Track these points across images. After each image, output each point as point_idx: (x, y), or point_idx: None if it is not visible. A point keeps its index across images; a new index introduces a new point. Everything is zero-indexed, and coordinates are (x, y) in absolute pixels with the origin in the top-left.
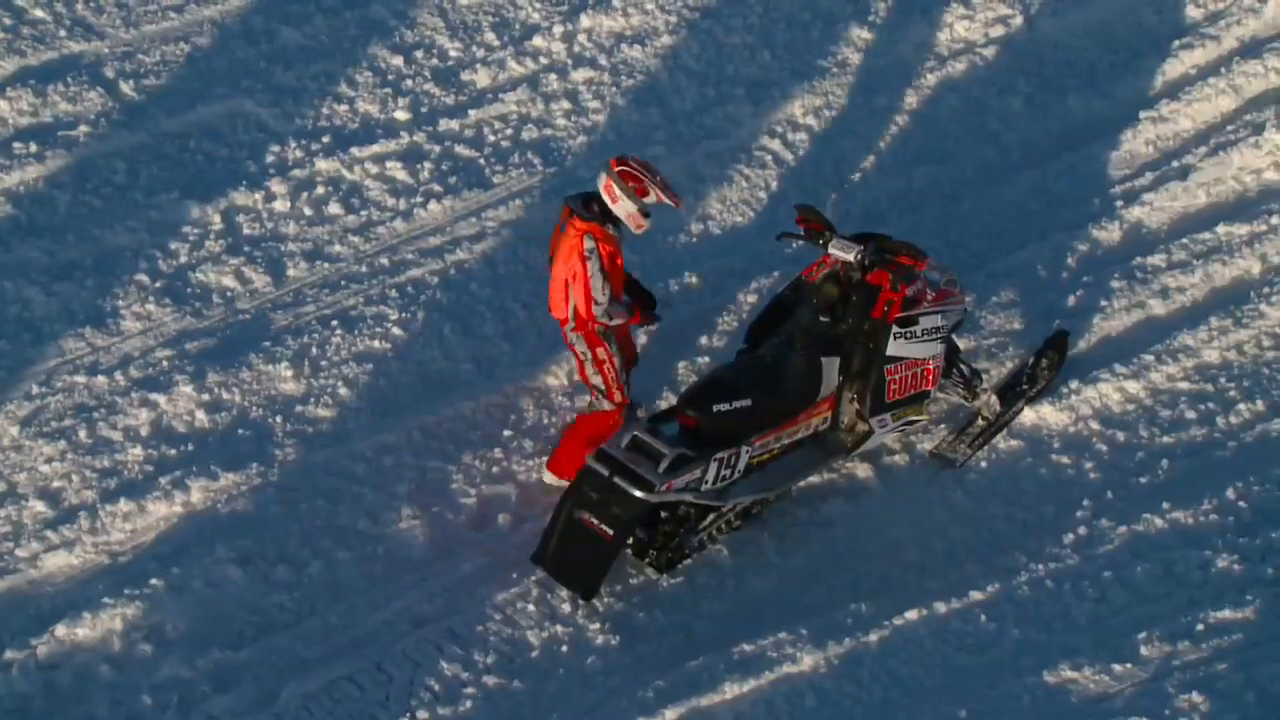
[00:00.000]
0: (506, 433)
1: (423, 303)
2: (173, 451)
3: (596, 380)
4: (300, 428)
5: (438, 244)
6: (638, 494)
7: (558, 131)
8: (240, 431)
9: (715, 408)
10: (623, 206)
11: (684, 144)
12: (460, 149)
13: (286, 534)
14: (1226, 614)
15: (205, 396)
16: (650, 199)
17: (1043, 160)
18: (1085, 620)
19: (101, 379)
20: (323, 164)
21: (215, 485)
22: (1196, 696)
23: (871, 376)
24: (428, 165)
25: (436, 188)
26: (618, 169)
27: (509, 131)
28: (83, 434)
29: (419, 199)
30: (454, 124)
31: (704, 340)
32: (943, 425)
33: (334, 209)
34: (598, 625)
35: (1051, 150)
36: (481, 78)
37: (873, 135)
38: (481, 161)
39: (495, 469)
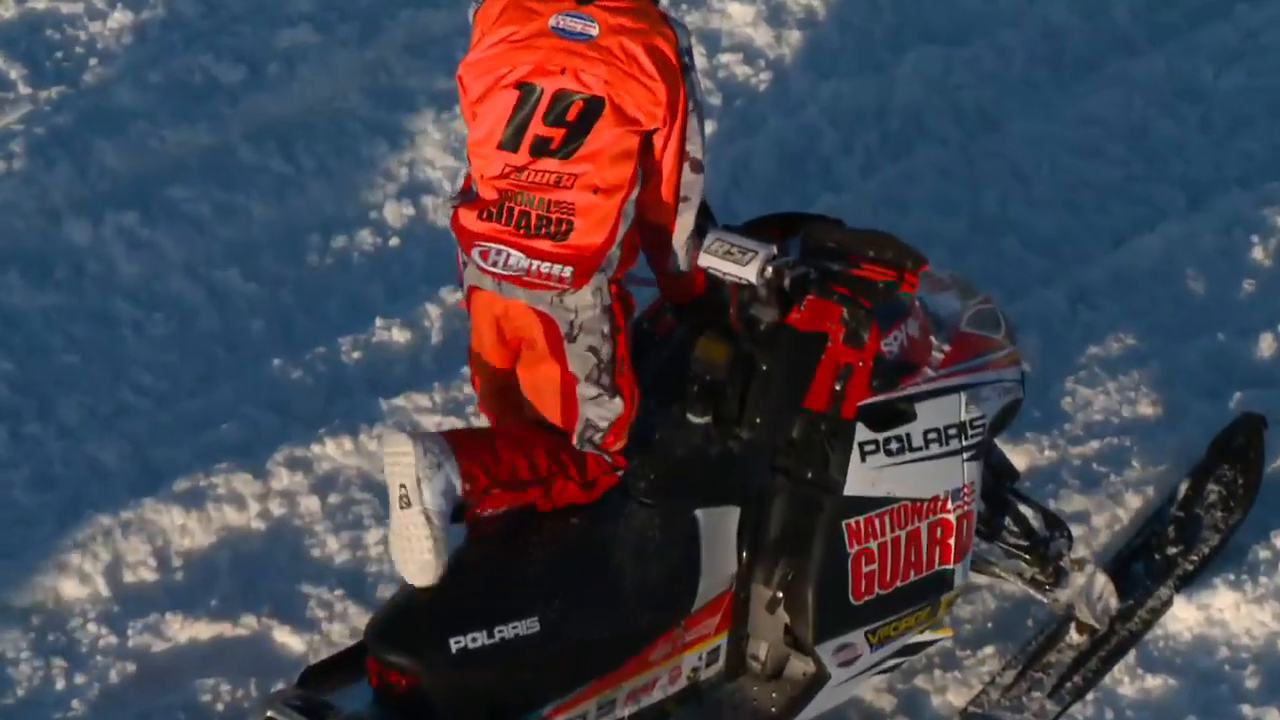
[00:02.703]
0: None
1: None
2: None
3: (603, 413)
4: None
5: None
6: None
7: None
8: None
9: (454, 643)
10: None
11: (362, 25)
12: None
13: None
14: None
15: None
16: None
17: (1187, 28)
18: None
19: None
20: None
21: None
22: None
23: (815, 549)
24: None
25: None
26: None
27: None
28: None
29: None
30: None
31: None
32: (988, 649)
33: None
34: None
35: (1206, 5)
36: None
37: None
38: None
39: None
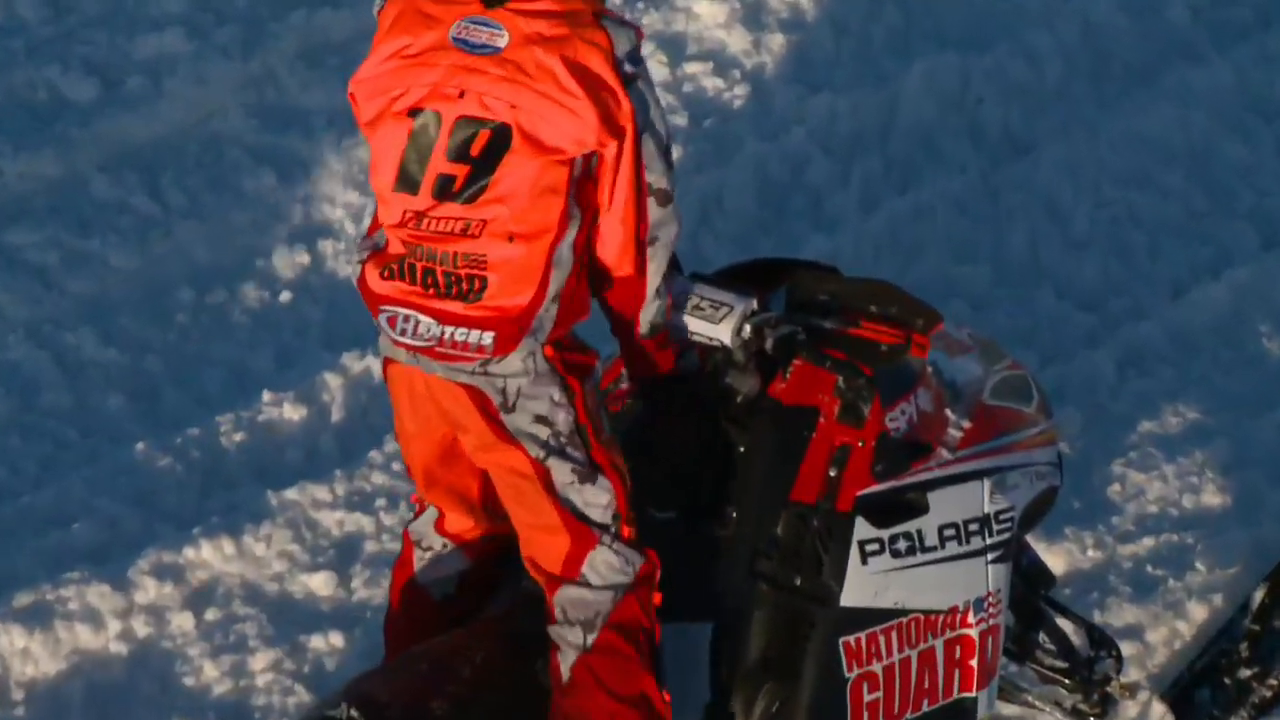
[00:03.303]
0: None
1: None
2: None
3: (591, 499)
4: None
5: None
6: None
7: None
8: None
9: None
10: None
11: (244, 29)
12: None
13: None
14: None
15: None
16: None
17: (1258, 28)
18: None
19: None
20: None
21: None
22: None
23: (806, 674)
24: None
25: None
26: None
27: None
28: None
29: None
30: None
31: (323, 588)
32: None
33: None
34: None
35: None
36: None
37: None
38: None
39: None
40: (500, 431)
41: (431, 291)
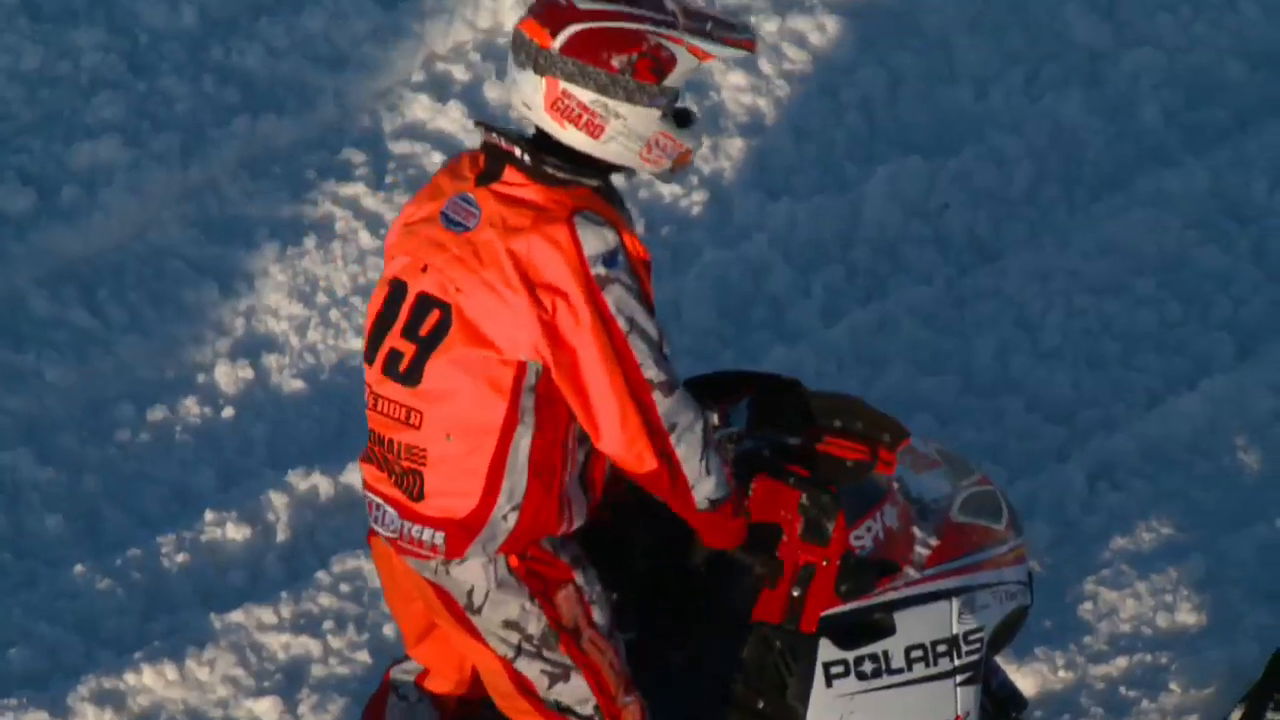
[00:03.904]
0: None
1: None
2: None
3: (567, 696)
4: None
5: None
6: None
7: None
8: None
9: None
10: (626, 137)
11: (184, 136)
12: None
13: None
14: None
15: None
16: (685, 70)
17: (1234, 129)
18: None
19: None
20: None
21: None
22: None
23: None
24: None
25: None
26: (571, 32)
27: None
28: None
29: None
30: None
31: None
32: None
33: None
34: None
35: (1259, 100)
36: None
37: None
38: None
39: None
40: (468, 629)
41: (392, 480)
